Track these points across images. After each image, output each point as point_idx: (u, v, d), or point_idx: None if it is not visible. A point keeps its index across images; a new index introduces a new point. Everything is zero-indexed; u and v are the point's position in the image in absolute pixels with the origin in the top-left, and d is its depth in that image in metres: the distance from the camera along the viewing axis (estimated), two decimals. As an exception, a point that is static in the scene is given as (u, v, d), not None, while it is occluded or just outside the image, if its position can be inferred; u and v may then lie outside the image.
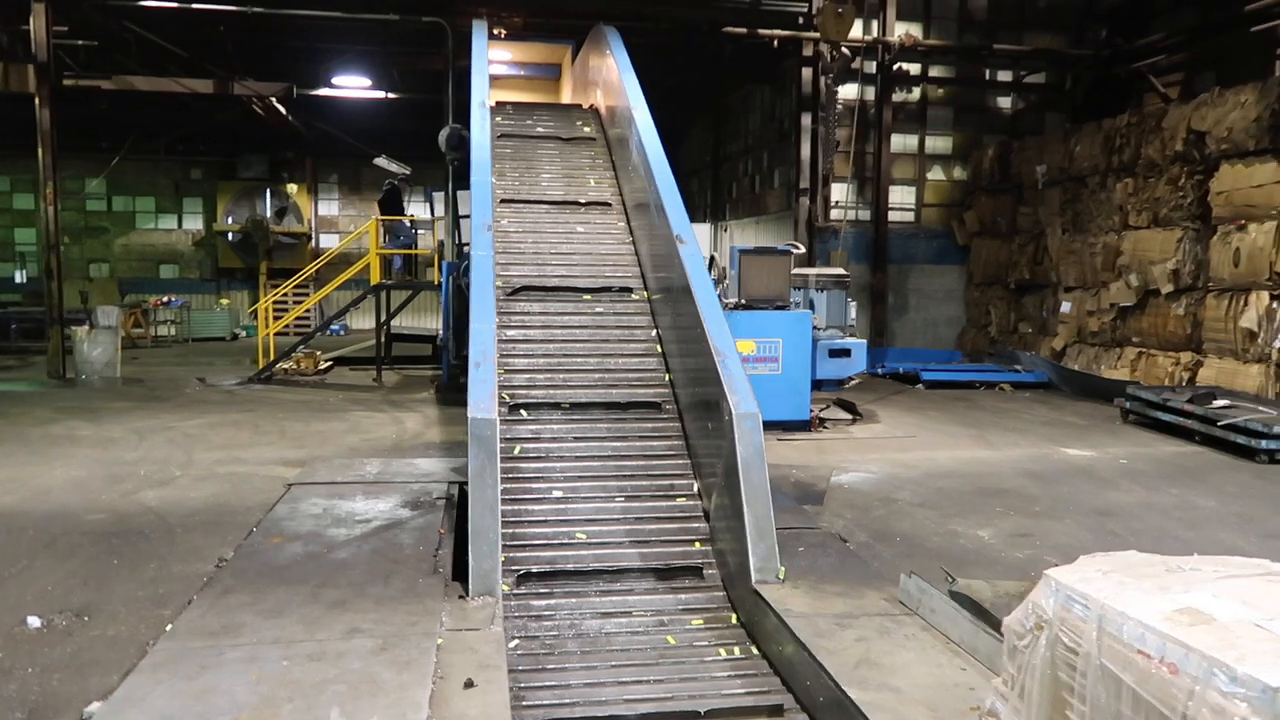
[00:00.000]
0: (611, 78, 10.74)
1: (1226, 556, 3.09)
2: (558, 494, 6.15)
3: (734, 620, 5.33)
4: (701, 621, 5.33)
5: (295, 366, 15.16)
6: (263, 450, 8.81)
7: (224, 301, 24.01)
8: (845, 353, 10.22)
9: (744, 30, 15.27)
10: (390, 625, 4.50)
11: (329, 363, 16.14)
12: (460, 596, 4.96)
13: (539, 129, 11.33)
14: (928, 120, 16.85)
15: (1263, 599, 2.62)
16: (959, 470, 8.38)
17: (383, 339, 15.96)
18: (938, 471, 8.29)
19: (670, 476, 6.39)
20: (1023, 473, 8.28)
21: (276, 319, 17.00)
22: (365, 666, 4.03)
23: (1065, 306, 14.03)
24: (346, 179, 25.83)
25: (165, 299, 21.01)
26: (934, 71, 16.75)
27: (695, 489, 6.27)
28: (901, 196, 16.70)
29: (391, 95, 19.30)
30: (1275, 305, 10.38)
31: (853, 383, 10.84)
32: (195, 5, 13.86)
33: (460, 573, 5.42)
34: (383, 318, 15.43)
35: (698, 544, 5.89)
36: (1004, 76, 17.07)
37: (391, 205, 16.21)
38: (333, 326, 24.15)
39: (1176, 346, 11.95)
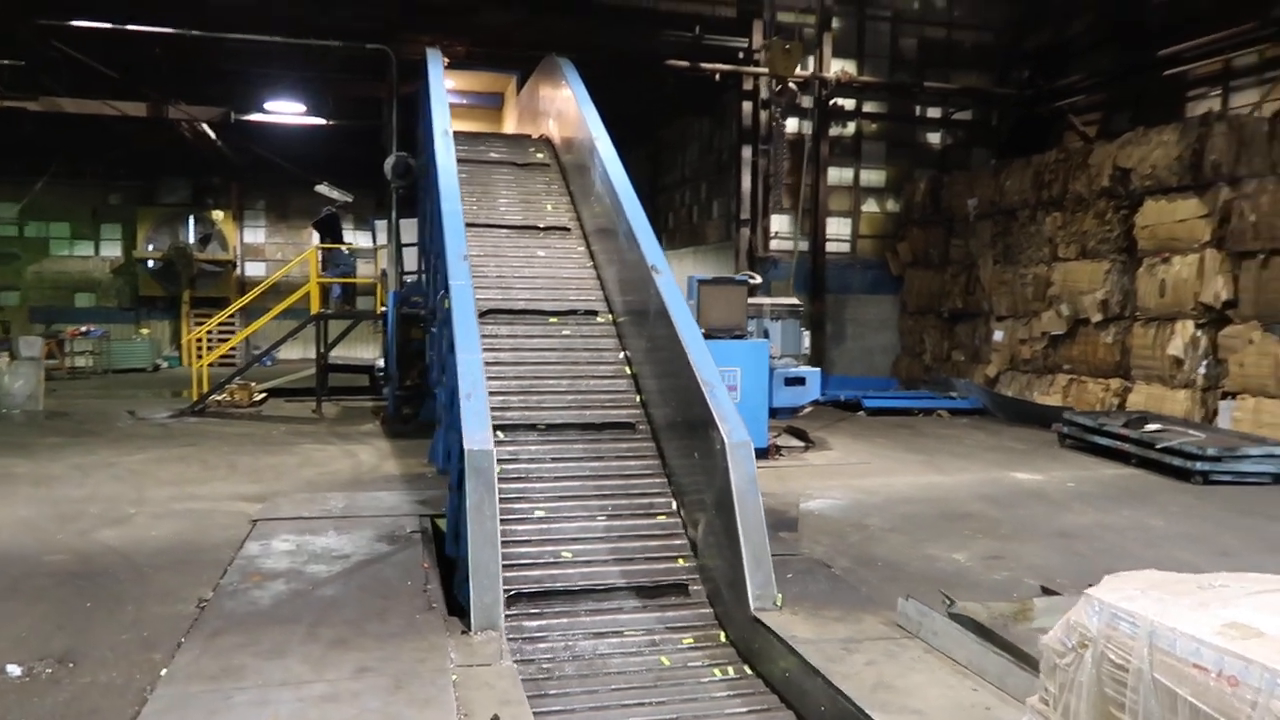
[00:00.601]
0: (568, 108, 10.81)
1: (1244, 574, 3.26)
2: (540, 514, 6.16)
3: (723, 639, 5.42)
4: (692, 640, 5.42)
5: (229, 399, 14.71)
6: (216, 486, 8.53)
7: (144, 331, 23.14)
8: (800, 381, 10.42)
9: (686, 64, 15.55)
10: (399, 663, 4.41)
11: (263, 394, 15.72)
12: (463, 632, 4.88)
13: (493, 154, 11.36)
14: (862, 154, 17.37)
15: (1300, 613, 2.78)
16: (919, 496, 8.60)
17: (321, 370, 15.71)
18: (899, 497, 8.50)
19: (649, 495, 6.47)
20: (980, 497, 8.55)
21: (210, 349, 16.50)
22: (385, 706, 3.95)
23: (998, 335, 14.56)
24: (274, 205, 25.24)
25: (84, 329, 20.14)
26: (868, 107, 17.31)
27: (674, 507, 6.34)
28: (838, 228, 17.15)
29: (326, 122, 19.01)
30: (1199, 334, 10.97)
31: (805, 411, 11.04)
32: (129, 26, 13.47)
33: (453, 607, 5.37)
34: (321, 348, 15.14)
35: (681, 561, 5.97)
36: (933, 113, 17.73)
37: (329, 233, 15.93)
38: (264, 360, 23.58)
39: (1106, 373, 12.51)
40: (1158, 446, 9.50)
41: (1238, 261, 10.66)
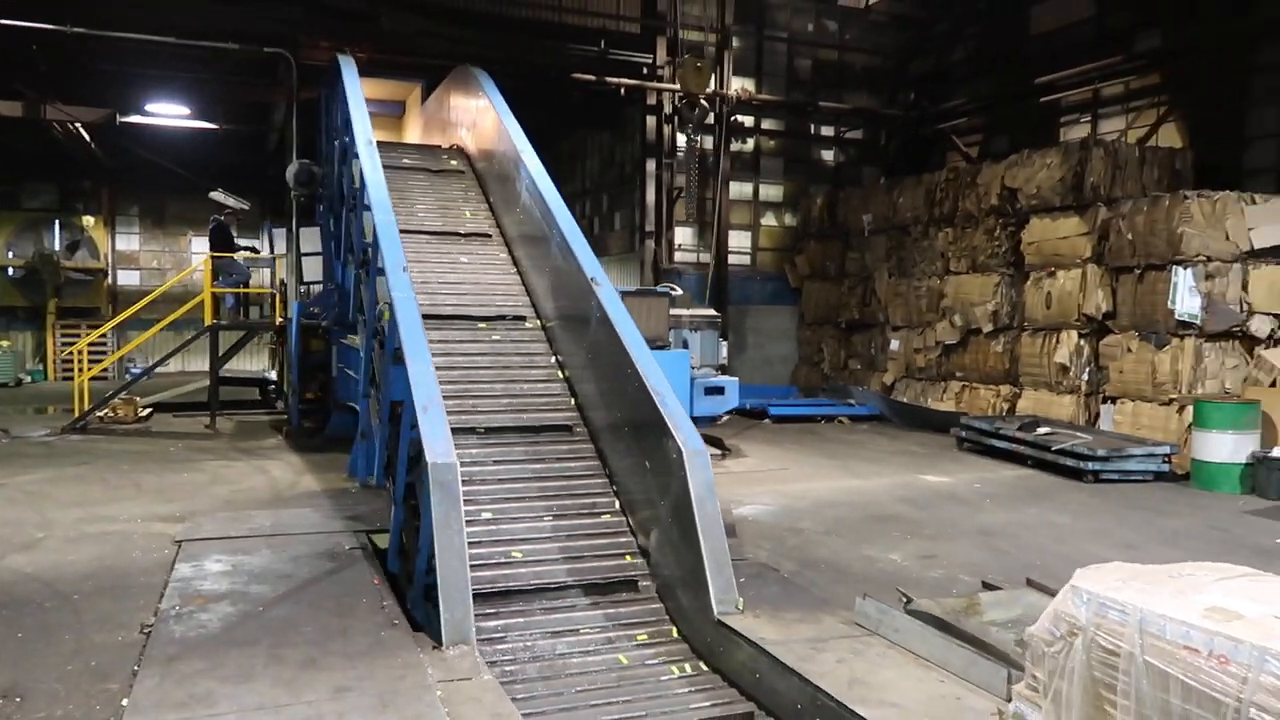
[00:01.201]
0: (487, 120, 10.77)
1: (1202, 564, 3.57)
2: (487, 515, 6.17)
3: (675, 634, 5.58)
4: (646, 636, 5.55)
5: (113, 414, 13.93)
6: (126, 506, 8.10)
7: (4, 344, 21.60)
8: (720, 390, 10.64)
9: (593, 77, 15.67)
10: (378, 681, 4.33)
11: (149, 410, 14.94)
12: (434, 647, 4.82)
13: (406, 160, 11.24)
14: (761, 169, 17.88)
15: (1266, 595, 3.09)
16: (842, 500, 8.92)
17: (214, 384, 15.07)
18: (824, 501, 8.81)
19: (592, 495, 6.58)
20: (899, 499, 8.94)
21: (68, 361, 15.57)
22: (377, 726, 3.88)
23: (894, 344, 15.21)
24: (149, 211, 24.01)
25: (-60, 341, 18.67)
26: (766, 124, 17.83)
27: (617, 506, 6.47)
28: (739, 241, 17.58)
29: (213, 126, 18.24)
30: (1083, 343, 11.77)
31: (723, 419, 11.28)
32: (4, 21, 12.64)
33: (414, 622, 5.30)
34: (214, 360, 14.53)
35: (628, 558, 6.10)
36: (827, 131, 18.41)
37: (221, 241, 15.29)
38: (133, 370, 22.43)
39: (996, 380, 13.25)
40: (1053, 449, 10.15)
41: (1115, 276, 11.49)
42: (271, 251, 15.69)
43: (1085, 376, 11.74)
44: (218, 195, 14.49)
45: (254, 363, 21.05)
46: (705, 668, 5.24)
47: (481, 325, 8.21)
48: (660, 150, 16.49)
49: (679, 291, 11.37)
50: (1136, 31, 14.41)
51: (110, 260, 23.50)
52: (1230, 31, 12.78)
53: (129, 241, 24.05)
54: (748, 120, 17.37)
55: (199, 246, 24.63)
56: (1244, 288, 10.38)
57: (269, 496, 8.66)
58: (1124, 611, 3.12)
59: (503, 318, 8.39)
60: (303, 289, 14.42)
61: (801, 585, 6.07)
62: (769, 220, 18.13)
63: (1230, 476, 9.46)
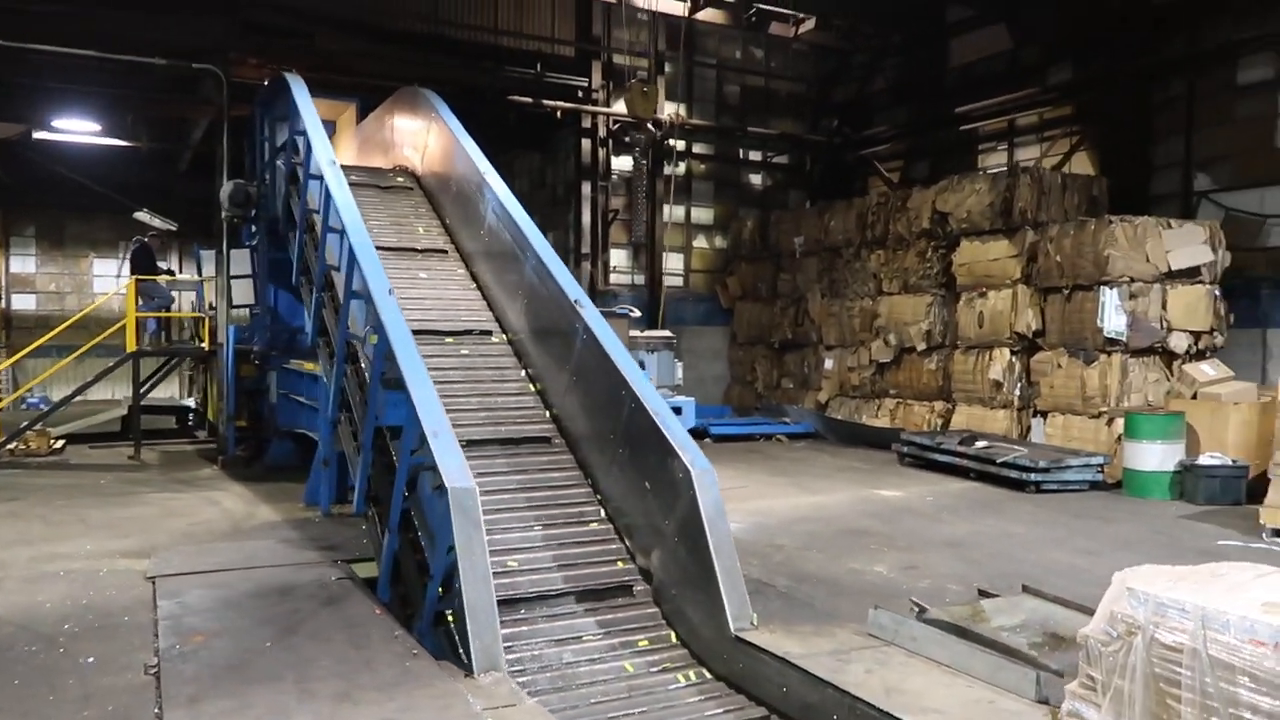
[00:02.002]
0: (440, 141, 10.70)
1: (1229, 564, 3.84)
2: None
3: (673, 639, 5.71)
4: (647, 642, 5.66)
5: (24, 447, 13.19)
6: (79, 543, 7.69)
7: (-116, 373, 20.16)
8: (678, 410, 10.71)
9: (529, 100, 15.71)
10: (422, 712, 4.26)
11: (61, 441, 14.19)
12: (466, 675, 4.76)
13: (352, 177, 11.01)
14: (693, 193, 18.19)
15: (1308, 590, 3.36)
16: (808, 515, 9.14)
17: (131, 412, 14.47)
18: (792, 517, 9.00)
19: (578, 504, 6.65)
20: (862, 514, 9.21)
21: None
22: (442, 757, 3.82)
23: (828, 363, 15.64)
24: (47, 232, 22.83)
25: None
26: (697, 148, 18.17)
27: (603, 514, 6.57)
28: (672, 263, 17.81)
29: (125, 143, 17.50)
30: (1014, 360, 12.36)
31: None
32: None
33: (437, 651, 5.23)
34: (136, 389, 13.95)
35: (620, 564, 6.20)
36: (755, 156, 18.87)
37: (144, 264, 14.67)
38: (30, 399, 21.27)
39: (930, 396, 13.77)
40: (998, 461, 10.61)
41: (1044, 296, 12.13)
42: (199, 274, 15.10)
43: (1017, 392, 12.32)
44: (143, 216, 13.97)
45: (164, 390, 20.19)
46: (709, 675, 5.37)
47: (449, 340, 8.20)
48: (595, 173, 16.62)
49: (637, 313, 11.47)
50: (1049, 66, 15.29)
51: (4, 283, 22.23)
52: (1136, 68, 13.68)
53: (24, 264, 22.81)
54: (679, 145, 17.65)
55: (101, 269, 23.59)
56: (1164, 306, 11.09)
57: (229, 528, 8.36)
58: (1184, 610, 3.34)
59: (469, 332, 8.44)
60: (233, 313, 13.93)
61: (802, 600, 6.21)
62: (700, 242, 18.44)
63: (1160, 484, 10.07)
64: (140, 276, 14.24)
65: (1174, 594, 3.42)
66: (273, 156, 12.13)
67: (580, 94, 16.31)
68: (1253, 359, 12.05)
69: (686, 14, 16.12)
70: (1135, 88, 13.75)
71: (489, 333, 8.48)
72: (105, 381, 15.56)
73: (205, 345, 13.79)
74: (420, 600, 5.75)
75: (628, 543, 6.33)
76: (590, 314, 7.34)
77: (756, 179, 19.04)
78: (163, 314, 14.59)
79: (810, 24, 15.94)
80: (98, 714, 4.33)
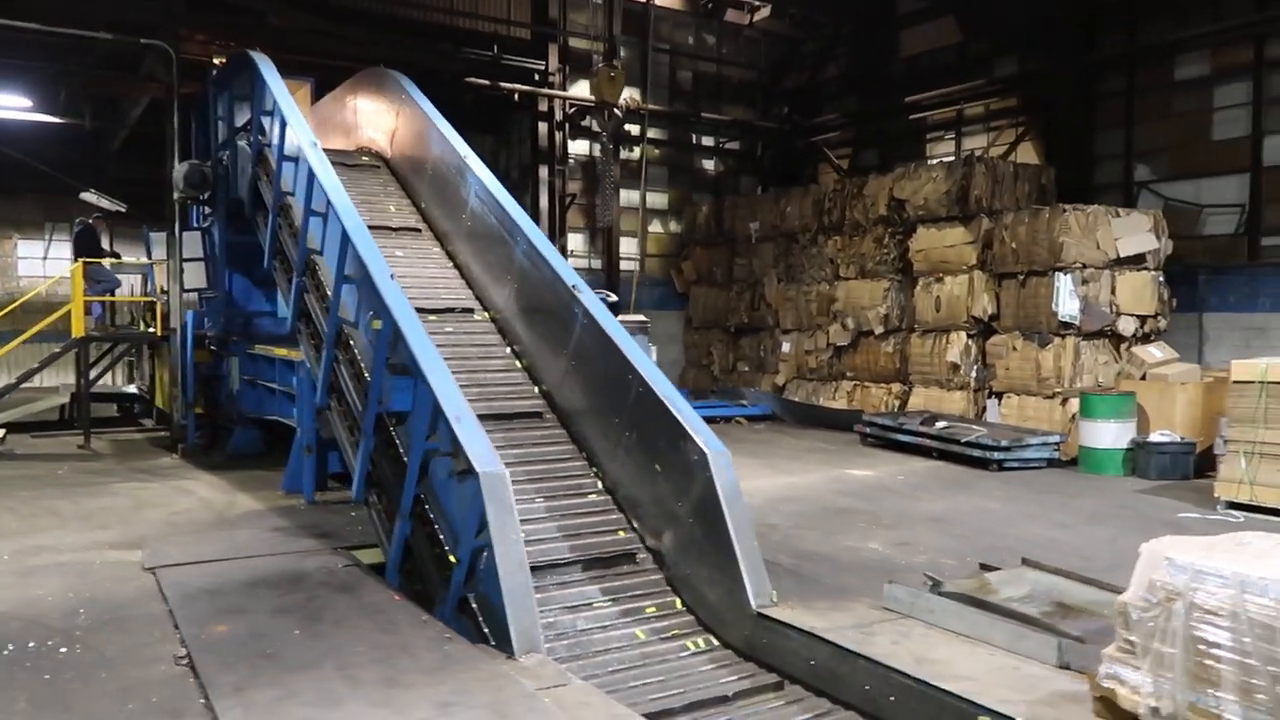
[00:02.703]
0: (414, 125, 10.59)
1: (1249, 533, 4.12)
2: None
3: (679, 605, 5.89)
4: (655, 609, 5.82)
5: (-37, 437, 12.66)
6: (58, 535, 7.48)
7: None
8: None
9: (487, 82, 15.57)
10: (477, 694, 4.30)
11: (2, 430, 13.63)
12: (508, 657, 4.82)
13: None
14: (648, 178, 18.23)
15: (1331, 556, 3.65)
16: (789, 495, 9.37)
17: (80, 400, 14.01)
18: (775, 497, 9.22)
19: (575, 477, 6.81)
20: (840, 493, 9.48)
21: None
22: (511, 737, 3.89)
23: (785, 347, 15.93)
24: (-35, 212, 21.73)
25: None
26: (651, 133, 18.21)
27: (601, 486, 6.75)
28: (627, 247, 17.88)
29: (56, 120, 16.76)
30: (970, 343, 12.79)
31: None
32: None
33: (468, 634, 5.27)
34: (83, 375, 13.50)
35: (621, 533, 6.38)
36: (708, 142, 19.03)
37: (88, 246, 14.14)
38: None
39: (887, 379, 14.16)
40: (963, 441, 11.00)
41: (998, 281, 12.57)
42: (149, 256, 14.62)
43: (973, 374, 12.76)
44: (90, 196, 13.47)
45: (106, 378, 19.49)
46: (716, 642, 5.59)
47: (432, 318, 8.14)
48: (553, 157, 16.58)
49: (614, 298, 11.54)
50: (995, 58, 15.77)
51: (-81, 266, 21.13)
52: (1079, 62, 14.22)
53: (-59, 245, 21.68)
54: (634, 129, 17.70)
55: (26, 250, 22.58)
56: (1113, 291, 11.61)
57: (212, 518, 8.19)
58: (1222, 576, 3.60)
59: (451, 310, 8.50)
60: (192, 295, 13.49)
61: (809, 576, 6.41)
62: (655, 227, 18.55)
63: (1114, 461, 10.58)
64: (84, 259, 13.74)
65: (1211, 562, 3.67)
66: (231, 136, 11.83)
67: (537, 77, 16.23)
68: (1190, 341, 12.70)
69: (646, -1, 16.15)
70: (1078, 82, 14.28)
71: (470, 310, 8.56)
72: (21, 368, 15.03)
73: (157, 331, 13.36)
74: (438, 585, 5.78)
75: (635, 524, 6.43)
76: (589, 299, 7.40)
77: (709, 164, 19.22)
78: (110, 298, 14.11)
79: (766, 11, 16.11)
80: (142, 706, 4.27)
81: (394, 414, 6.59)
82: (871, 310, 14.16)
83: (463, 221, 9.35)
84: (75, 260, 14.16)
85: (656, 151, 18.45)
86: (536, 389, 7.69)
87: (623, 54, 17.24)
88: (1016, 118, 15.49)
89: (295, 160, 9.29)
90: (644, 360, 6.77)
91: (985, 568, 6.22)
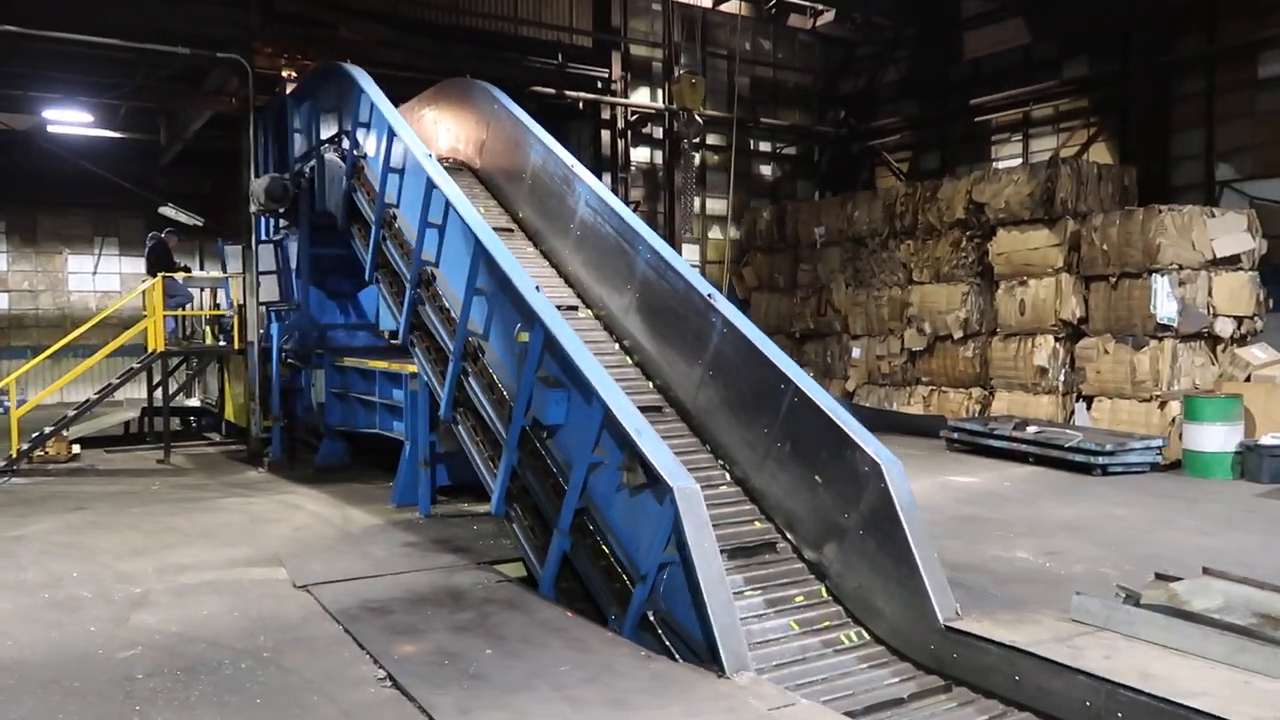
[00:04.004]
0: (507, 134, 10.52)
1: None
2: None
3: (824, 593, 5.92)
4: (803, 598, 5.83)
5: (43, 453, 12.63)
6: (191, 552, 7.42)
7: None
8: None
9: (552, 91, 15.51)
10: (710, 715, 4.21)
11: (76, 445, 13.62)
12: (719, 675, 4.71)
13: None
14: (707, 184, 18.17)
15: None
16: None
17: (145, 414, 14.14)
18: (891, 506, 9.07)
19: (704, 469, 6.78)
20: (957, 500, 9.35)
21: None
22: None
23: (855, 352, 15.81)
24: (18, 227, 21.77)
25: None
26: (710, 140, 18.16)
27: (729, 478, 6.78)
28: (689, 254, 17.80)
29: (118, 135, 16.83)
30: (1059, 346, 12.65)
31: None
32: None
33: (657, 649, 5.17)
34: (166, 389, 13.52)
35: (757, 524, 6.40)
36: (765, 147, 18.94)
37: (160, 261, 14.13)
38: (5, 402, 20.40)
39: (966, 383, 14.01)
40: (1065, 445, 10.85)
41: (1086, 283, 12.43)
42: (224, 270, 14.59)
43: (1062, 377, 12.61)
44: (168, 210, 13.43)
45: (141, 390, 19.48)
46: (867, 636, 5.64)
47: None
48: (615, 164, 16.51)
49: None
50: (1064, 60, 15.64)
51: (-26, 283, 21.21)
52: (1155, 63, 14.09)
53: (-5, 261, 21.75)
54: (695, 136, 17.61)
55: (76, 265, 22.64)
56: (1209, 293, 11.46)
57: (335, 534, 8.11)
58: None
59: (558, 308, 8.35)
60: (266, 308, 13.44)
61: (974, 588, 6.27)
62: (714, 233, 18.46)
63: (1222, 464, 10.42)
64: (162, 274, 13.72)
65: None
66: (315, 149, 11.78)
67: (600, 85, 16.17)
68: (1283, 342, 12.52)
69: (711, 3, 16.07)
70: (1155, 82, 14.14)
71: (574, 307, 8.60)
72: (88, 383, 15.04)
73: (234, 344, 13.32)
74: (609, 601, 5.69)
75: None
76: (726, 308, 7.33)
77: (766, 170, 19.13)
78: (188, 312, 14.09)
79: (830, 15, 16.02)
80: (376, 731, 4.19)
81: (544, 427, 6.49)
82: (949, 314, 14.03)
83: (570, 230, 9.27)
84: (149, 274, 14.20)
85: (716, 158, 18.37)
86: (651, 384, 7.73)
87: (683, 61, 17.19)
88: (1088, 119, 15.36)
89: (400, 172, 9.26)
90: (797, 369, 6.67)
91: (1163, 578, 6.07)
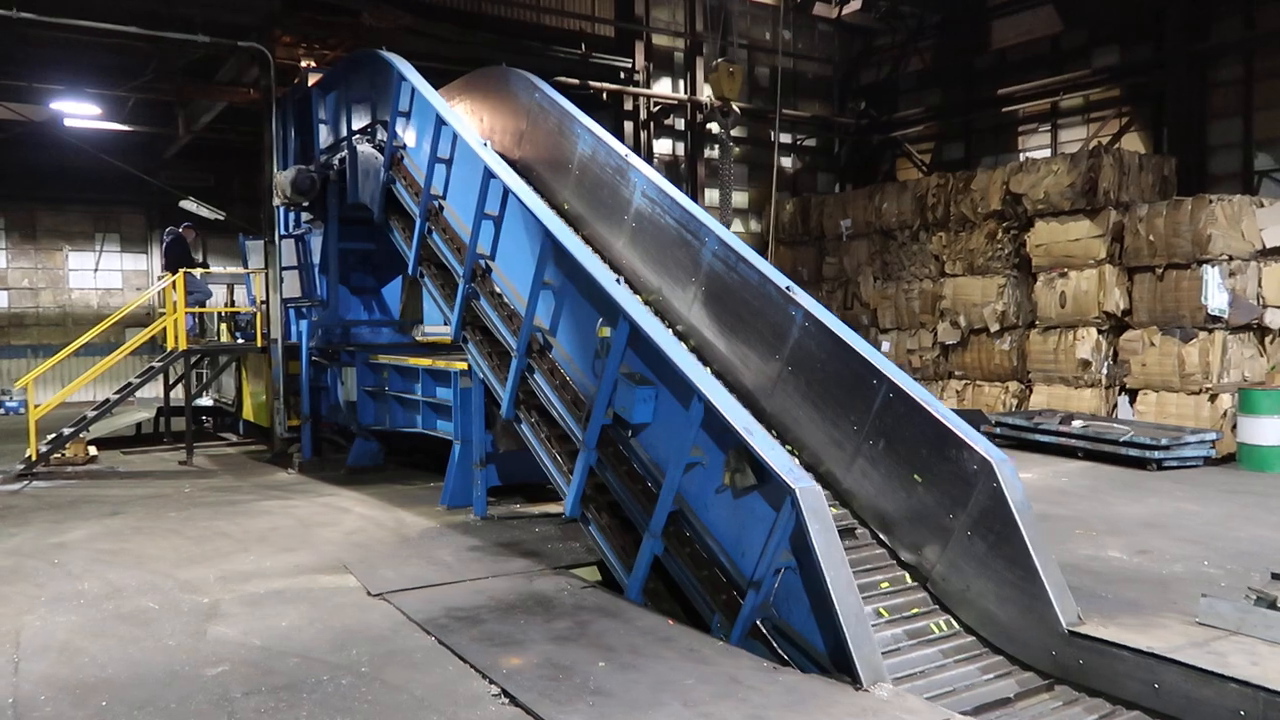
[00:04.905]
0: (550, 123, 10.19)
1: None
2: None
3: (908, 580, 5.83)
4: (888, 583, 5.74)
5: (60, 456, 12.25)
6: (249, 559, 7.10)
7: None
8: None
9: (576, 81, 15.21)
10: (867, 733, 3.96)
11: (93, 447, 13.25)
12: (856, 688, 4.46)
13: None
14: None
15: None
16: (968, 500, 8.99)
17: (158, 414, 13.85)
18: (956, 503, 8.85)
19: None
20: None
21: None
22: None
23: (885, 346, 15.58)
24: (17, 224, 21.27)
25: None
26: (732, 131, 17.84)
27: (798, 462, 6.40)
28: (711, 247, 17.50)
29: (125, 128, 16.38)
30: (1102, 339, 12.47)
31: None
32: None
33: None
34: (188, 389, 13.17)
35: (833, 509, 6.16)
36: (785, 139, 18.66)
37: (179, 256, 13.75)
38: (9, 404, 20.03)
39: (1003, 377, 13.82)
40: (1120, 440, 10.66)
41: (1129, 275, 12.24)
42: (245, 265, 14.21)
43: (1105, 370, 12.42)
44: (189, 204, 13.04)
45: (150, 390, 19.06)
46: (956, 625, 5.57)
47: None
48: (638, 156, 16.15)
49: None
50: (1094, 48, 15.45)
51: (-27, 280, 20.71)
52: (1190, 51, 13.91)
53: (-6, 258, 21.25)
54: (713, 127, 17.34)
55: (76, 262, 22.15)
56: (1259, 284, 11.29)
57: (392, 538, 7.80)
58: None
59: None
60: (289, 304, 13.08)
61: (1082, 590, 6.02)
62: (736, 226, 18.18)
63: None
64: (181, 270, 13.34)
65: None
66: (345, 139, 11.45)
67: (622, 75, 15.87)
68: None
69: (736, -8, 15.82)
70: (1191, 71, 13.96)
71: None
72: (95, 382, 14.63)
73: (258, 341, 12.96)
74: (712, 608, 5.43)
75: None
76: (807, 301, 7.09)
77: (787, 162, 18.86)
78: (210, 309, 13.73)
79: (856, 3, 15.76)
80: (512, 754, 3.91)
81: (629, 426, 6.22)
82: (985, 307, 13.82)
83: (623, 222, 8.99)
84: (166, 270, 13.82)
85: (737, 149, 18.08)
86: (709, 369, 7.41)
87: (705, 51, 16.91)
88: (1120, 108, 15.17)
89: (448, 162, 8.96)
90: (890, 364, 6.43)
91: (1278, 578, 5.87)
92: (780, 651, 5.09)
